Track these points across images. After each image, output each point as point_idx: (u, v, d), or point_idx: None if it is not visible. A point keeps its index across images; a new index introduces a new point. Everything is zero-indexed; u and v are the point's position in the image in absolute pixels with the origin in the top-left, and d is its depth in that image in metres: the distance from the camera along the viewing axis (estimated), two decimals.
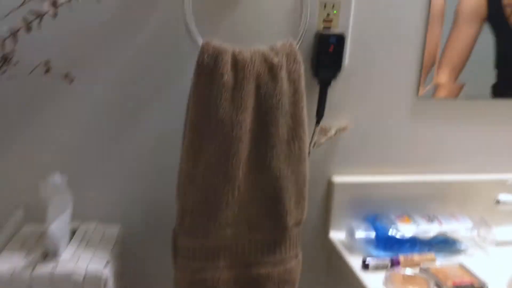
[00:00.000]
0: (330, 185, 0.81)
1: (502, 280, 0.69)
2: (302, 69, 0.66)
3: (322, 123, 0.77)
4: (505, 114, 0.85)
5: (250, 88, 0.63)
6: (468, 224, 0.78)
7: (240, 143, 0.63)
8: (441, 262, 0.73)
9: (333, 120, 0.78)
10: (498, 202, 0.80)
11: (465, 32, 0.78)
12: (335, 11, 0.73)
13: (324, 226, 0.83)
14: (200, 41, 0.64)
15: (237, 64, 0.63)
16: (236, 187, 0.65)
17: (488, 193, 0.84)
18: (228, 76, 0.62)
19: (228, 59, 0.62)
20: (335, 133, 0.78)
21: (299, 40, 0.69)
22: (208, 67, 0.62)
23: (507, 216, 0.86)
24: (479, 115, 0.84)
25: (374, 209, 0.81)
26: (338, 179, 0.81)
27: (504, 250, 0.79)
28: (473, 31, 0.78)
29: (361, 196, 0.81)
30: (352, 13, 0.74)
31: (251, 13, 0.72)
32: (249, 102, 0.63)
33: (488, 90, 0.82)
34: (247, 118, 0.63)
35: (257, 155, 0.65)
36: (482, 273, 0.70)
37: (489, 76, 0.81)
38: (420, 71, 0.79)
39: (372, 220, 0.78)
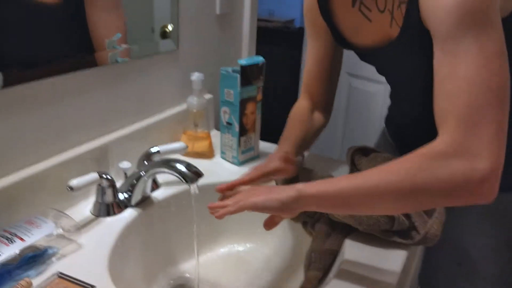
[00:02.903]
0: None
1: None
2: None
3: None
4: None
5: None
6: (50, 225, 0.71)
7: None
8: (39, 283, 0.64)
9: None
10: (70, 188, 0.75)
11: None
12: None
13: None
14: None
15: None
16: None
17: (57, 181, 0.79)
18: None
19: None
20: None
21: None
22: None
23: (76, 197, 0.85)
24: None
25: None
26: None
27: (91, 232, 0.78)
28: None
29: None
30: None
31: None
32: None
33: None
34: None
35: None
36: (83, 272, 0.66)
37: None
38: None
39: None
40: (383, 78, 0.93)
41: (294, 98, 1.00)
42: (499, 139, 0.56)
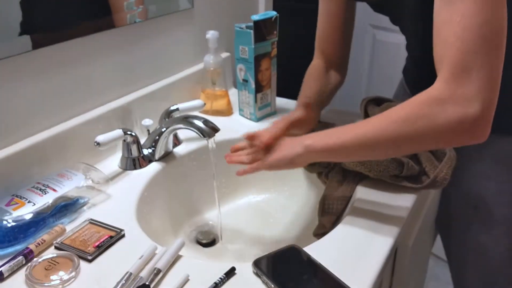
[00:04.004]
0: None
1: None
2: None
3: None
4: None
5: None
6: (80, 177, 0.78)
7: None
8: (72, 228, 0.71)
9: None
10: (97, 143, 0.81)
11: None
12: None
13: None
14: None
15: None
16: None
17: (85, 137, 0.85)
18: None
19: None
20: None
21: None
22: None
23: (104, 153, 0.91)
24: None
25: None
26: None
27: (119, 184, 0.84)
28: None
29: None
30: None
31: None
32: None
33: None
34: None
35: None
36: (112, 219, 0.73)
37: None
38: None
39: None
40: None
41: (312, 53, 1.01)
42: (492, 83, 0.59)
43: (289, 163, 0.74)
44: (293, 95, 1.12)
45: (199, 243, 0.91)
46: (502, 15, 0.60)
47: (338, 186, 0.86)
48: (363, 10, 1.00)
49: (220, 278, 0.60)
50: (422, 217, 0.89)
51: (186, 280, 0.61)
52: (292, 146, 0.73)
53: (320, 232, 0.85)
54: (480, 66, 0.58)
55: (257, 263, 0.63)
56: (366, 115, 0.93)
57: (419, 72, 0.97)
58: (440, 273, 1.67)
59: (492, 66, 0.59)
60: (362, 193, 0.81)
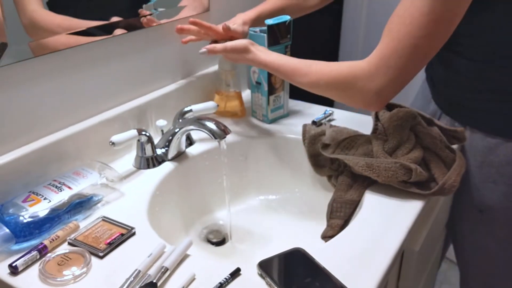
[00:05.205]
0: None
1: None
2: None
3: None
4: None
5: None
6: (95, 175, 0.80)
7: None
8: (85, 225, 0.74)
9: None
10: (112, 143, 0.83)
11: None
12: None
13: None
14: None
15: None
16: None
17: (100, 137, 0.88)
18: None
19: None
20: None
21: None
22: None
23: (119, 152, 0.93)
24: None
25: None
26: None
27: (132, 183, 0.86)
28: None
29: None
30: None
31: None
32: None
33: None
34: None
35: None
36: (124, 216, 0.75)
37: None
38: None
39: None
40: None
41: (325, 57, 1.02)
42: (398, 85, 0.76)
43: (243, 51, 0.90)
44: (306, 97, 1.14)
45: (210, 242, 0.92)
46: (444, 34, 0.72)
47: (347, 189, 0.86)
48: (381, 18, 1.00)
49: (225, 278, 0.62)
50: (430, 222, 0.89)
51: (192, 279, 0.63)
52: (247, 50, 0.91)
53: (329, 235, 0.86)
54: (399, 68, 0.73)
55: (262, 265, 0.64)
56: (377, 119, 0.93)
57: (434, 68, 0.99)
58: (452, 276, 1.66)
59: (408, 72, 0.75)
60: (371, 197, 0.81)
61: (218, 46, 0.93)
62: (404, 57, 0.73)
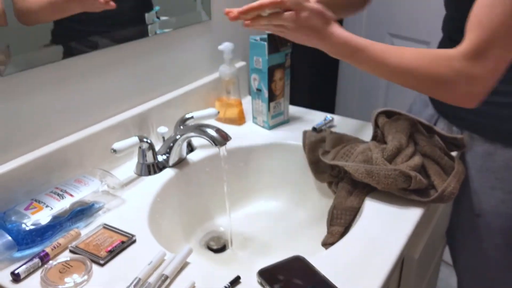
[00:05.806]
0: None
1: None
2: None
3: None
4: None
5: None
6: (96, 183, 0.81)
7: None
8: (86, 233, 0.74)
9: None
10: (114, 150, 0.84)
11: None
12: None
13: None
14: None
15: None
16: None
17: (102, 144, 0.89)
18: None
19: None
20: None
21: None
22: None
23: (121, 159, 0.94)
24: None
25: None
26: None
27: (133, 190, 0.87)
28: None
29: None
30: None
31: None
32: None
33: None
34: None
35: None
36: (125, 223, 0.76)
37: None
38: None
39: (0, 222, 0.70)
40: (427, 38, 0.93)
41: (326, 64, 1.03)
42: (499, 71, 0.72)
43: (326, 22, 0.77)
44: (306, 104, 1.14)
45: (210, 248, 0.93)
46: None
47: (347, 196, 0.87)
48: (382, 19, 1.00)
49: (225, 286, 0.63)
50: (430, 230, 0.89)
51: (192, 287, 0.63)
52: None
53: (329, 242, 0.86)
54: (500, 53, 0.70)
55: (261, 273, 0.65)
56: (377, 126, 0.94)
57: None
58: (454, 282, 1.66)
59: (506, 62, 0.71)
60: (371, 205, 0.82)
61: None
62: (501, 48, 0.70)
